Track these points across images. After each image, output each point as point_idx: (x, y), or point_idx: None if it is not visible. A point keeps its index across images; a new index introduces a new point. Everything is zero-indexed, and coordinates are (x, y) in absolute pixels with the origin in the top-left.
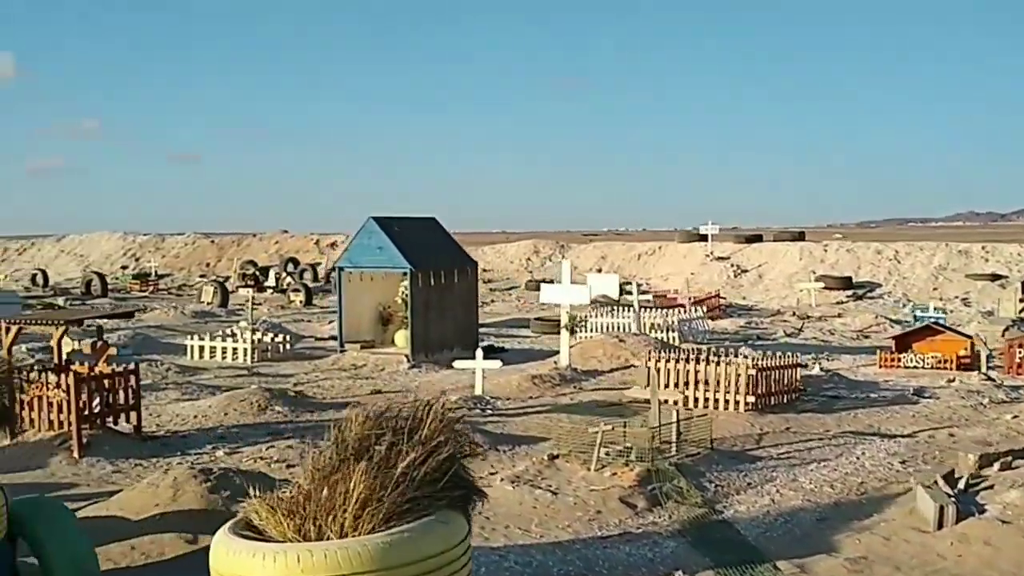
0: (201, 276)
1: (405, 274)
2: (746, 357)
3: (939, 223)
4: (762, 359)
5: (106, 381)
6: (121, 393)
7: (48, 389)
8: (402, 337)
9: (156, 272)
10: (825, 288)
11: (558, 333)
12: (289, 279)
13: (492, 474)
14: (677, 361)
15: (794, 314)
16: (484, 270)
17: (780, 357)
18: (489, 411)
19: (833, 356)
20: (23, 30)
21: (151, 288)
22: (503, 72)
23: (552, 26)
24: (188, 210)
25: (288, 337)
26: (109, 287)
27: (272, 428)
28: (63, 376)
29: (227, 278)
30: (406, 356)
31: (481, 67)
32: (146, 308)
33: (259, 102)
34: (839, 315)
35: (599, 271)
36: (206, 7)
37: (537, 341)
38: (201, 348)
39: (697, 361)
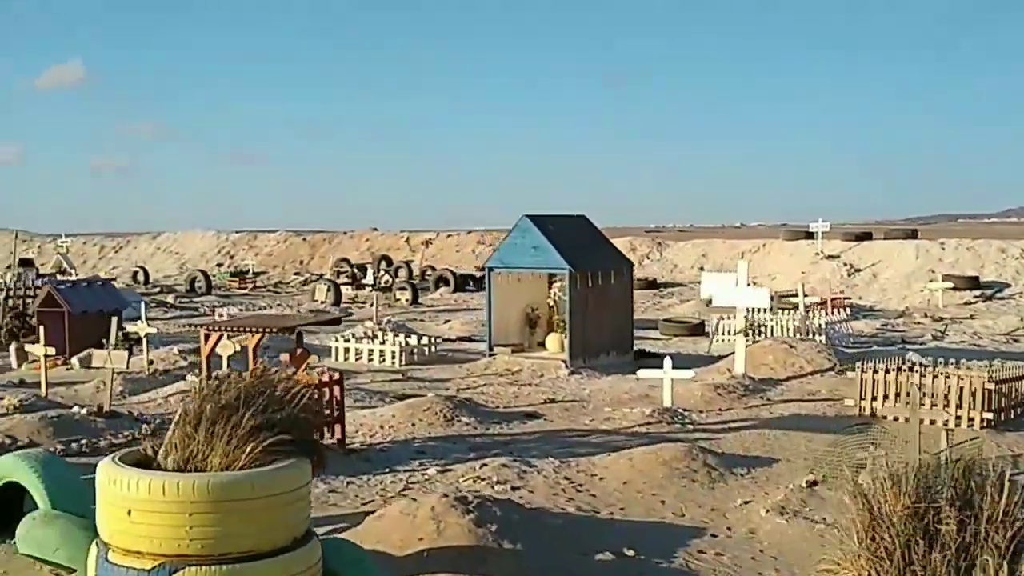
0: (295, 274)
1: (553, 275)
2: (969, 368)
3: (992, 219)
4: (993, 370)
5: (313, 392)
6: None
7: None
8: (555, 341)
9: (253, 270)
10: (951, 288)
11: (688, 335)
12: (387, 277)
13: (747, 503)
14: (898, 371)
15: (926, 315)
16: None
17: (1008, 368)
18: (690, 426)
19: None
20: (91, 36)
21: (250, 285)
22: (581, 71)
23: (608, 25)
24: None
25: (432, 339)
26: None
27: (469, 442)
28: None
29: (321, 275)
30: (563, 361)
31: (549, 67)
32: (257, 307)
33: (333, 103)
34: (971, 316)
35: (701, 269)
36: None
37: (670, 344)
38: (347, 350)
39: (922, 373)
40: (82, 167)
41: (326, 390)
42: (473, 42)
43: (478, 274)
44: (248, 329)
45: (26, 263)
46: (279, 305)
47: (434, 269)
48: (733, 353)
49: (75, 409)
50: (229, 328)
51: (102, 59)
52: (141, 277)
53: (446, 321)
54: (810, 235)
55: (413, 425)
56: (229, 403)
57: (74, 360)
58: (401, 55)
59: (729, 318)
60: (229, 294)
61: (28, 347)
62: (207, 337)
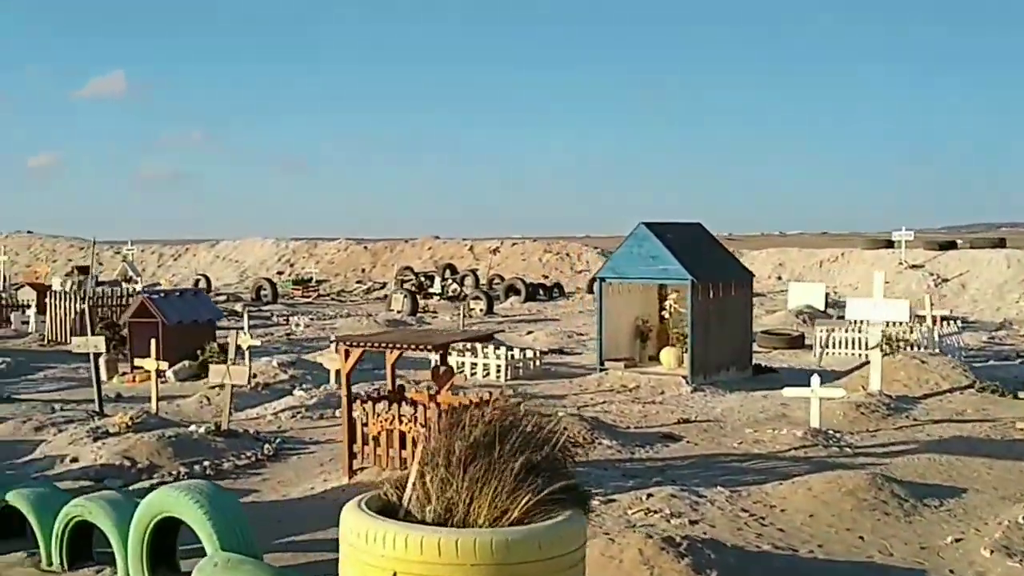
0: (358, 282)
1: (663, 286)
2: None
3: None
4: None
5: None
6: None
7: (402, 422)
8: (671, 356)
9: (315, 278)
10: None
11: (787, 348)
12: (455, 285)
13: (958, 540)
14: None
15: None
16: None
17: None
18: (848, 449)
19: None
20: (133, 48)
21: (313, 294)
22: (656, 82)
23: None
24: (318, 216)
25: (536, 352)
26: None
27: (620, 468)
28: (421, 407)
29: (384, 284)
30: (683, 378)
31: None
32: (325, 316)
33: (385, 111)
34: None
35: (779, 279)
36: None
37: (770, 357)
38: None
39: None
40: (126, 175)
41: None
42: (527, 47)
43: (549, 283)
44: (394, 345)
45: (83, 270)
46: (349, 315)
47: (502, 278)
48: (856, 368)
49: (192, 428)
50: (372, 344)
51: (143, 70)
52: (203, 285)
53: (528, 332)
54: (890, 244)
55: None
56: (479, 440)
57: (169, 373)
58: (452, 60)
59: (833, 330)
60: (294, 303)
61: (138, 360)
62: (347, 353)
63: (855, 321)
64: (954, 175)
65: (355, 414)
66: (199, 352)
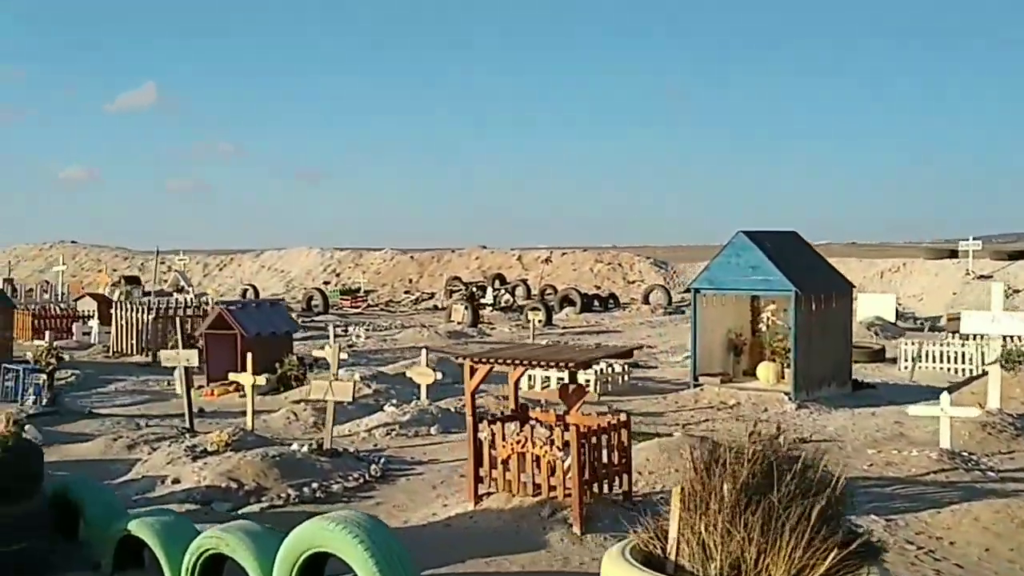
0: (405, 292)
1: (757, 297)
2: None
3: None
4: None
5: (602, 436)
6: (604, 450)
7: (535, 445)
8: (768, 371)
9: (363, 288)
10: None
11: (870, 362)
12: (508, 296)
13: None
14: None
15: None
16: None
17: None
18: (990, 472)
19: None
20: (163, 60)
21: (362, 304)
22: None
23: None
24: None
25: (625, 367)
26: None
27: None
28: (557, 429)
29: (432, 294)
30: (786, 394)
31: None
32: (378, 327)
33: (416, 124)
34: None
35: None
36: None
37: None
38: (535, 377)
39: None
40: (156, 185)
41: (614, 434)
42: (582, 50)
43: (603, 294)
44: (524, 362)
45: (132, 280)
46: (406, 326)
47: (554, 289)
48: (964, 384)
49: (294, 447)
50: (501, 361)
51: (174, 83)
52: (251, 295)
53: (597, 345)
54: (953, 253)
55: (676, 471)
56: (748, 483)
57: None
58: (498, 70)
59: (918, 343)
60: (343, 313)
61: (232, 375)
62: (472, 370)
63: (955, 334)
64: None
65: (480, 435)
66: (277, 365)
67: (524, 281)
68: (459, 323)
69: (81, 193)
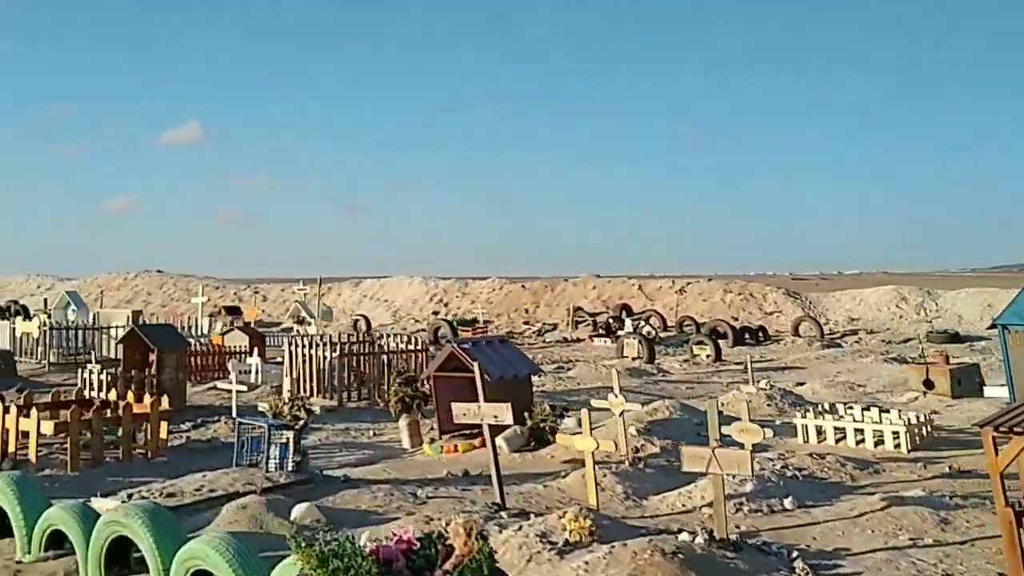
0: (525, 323)
1: None
2: None
3: None
4: None
5: None
6: None
7: None
8: None
9: (483, 319)
10: None
11: None
12: (649, 328)
13: None
14: None
15: None
16: (852, 319)
17: None
18: None
19: None
20: (205, 98)
21: (483, 334)
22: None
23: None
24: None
25: (928, 416)
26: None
27: None
28: None
29: (555, 325)
30: None
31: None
32: (547, 361)
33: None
34: None
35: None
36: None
37: None
38: (818, 428)
39: None
40: (203, 215)
41: None
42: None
43: (753, 326)
44: None
45: (232, 311)
46: (568, 361)
47: (693, 320)
48: None
49: (683, 536)
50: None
51: (217, 119)
52: (363, 326)
53: (799, 384)
54: None
55: None
56: None
57: (500, 441)
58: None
59: None
60: None
61: (563, 438)
62: (995, 442)
63: None
64: None
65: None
66: (526, 415)
67: (656, 312)
68: (634, 358)
69: (124, 221)
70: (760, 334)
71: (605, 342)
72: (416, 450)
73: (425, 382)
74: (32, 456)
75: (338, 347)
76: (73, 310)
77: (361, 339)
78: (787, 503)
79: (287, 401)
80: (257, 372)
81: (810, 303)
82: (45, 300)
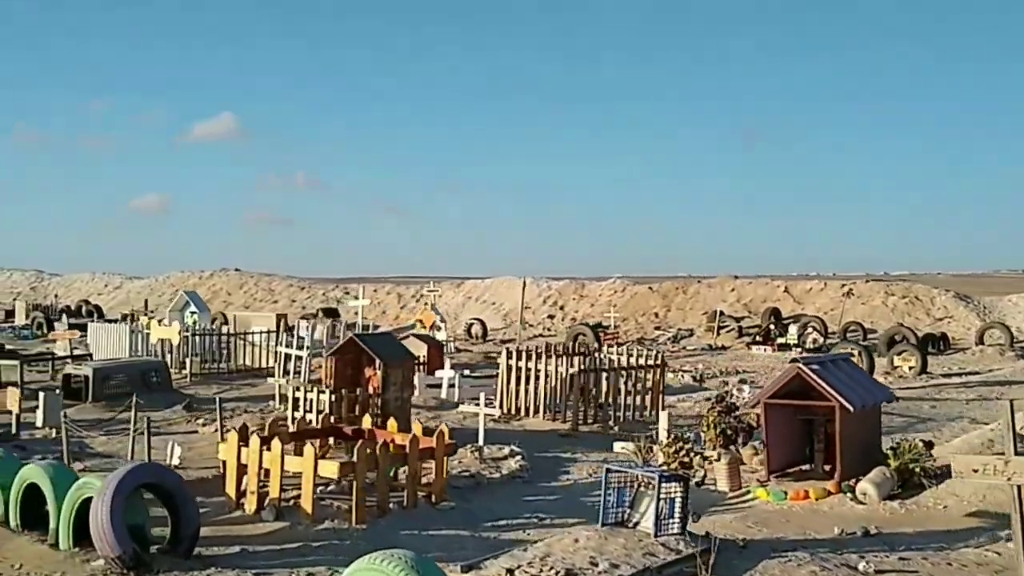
0: (656, 328)
1: None
2: None
3: None
4: None
5: None
6: None
7: None
8: None
9: (614, 323)
10: None
11: None
12: (815, 335)
13: None
14: None
15: None
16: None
17: None
18: None
19: None
20: (241, 90)
21: (613, 341)
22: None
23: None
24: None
25: None
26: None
27: None
28: None
29: (691, 331)
30: None
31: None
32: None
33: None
34: None
35: None
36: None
37: None
38: None
39: None
40: (239, 215)
41: None
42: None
43: (936, 333)
44: None
45: (331, 313)
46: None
47: (860, 325)
48: None
49: None
50: None
51: (252, 113)
52: (478, 331)
53: None
54: None
55: None
56: None
57: (867, 485)
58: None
59: None
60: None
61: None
62: None
63: None
64: None
65: None
66: (890, 453)
67: (816, 316)
68: (910, 368)
69: (154, 220)
70: (942, 343)
71: (765, 350)
72: (736, 494)
73: (752, 414)
74: (307, 505)
75: (574, 360)
76: (193, 312)
77: (579, 351)
78: None
79: (667, 443)
80: (453, 387)
81: (984, 307)
82: (146, 301)
